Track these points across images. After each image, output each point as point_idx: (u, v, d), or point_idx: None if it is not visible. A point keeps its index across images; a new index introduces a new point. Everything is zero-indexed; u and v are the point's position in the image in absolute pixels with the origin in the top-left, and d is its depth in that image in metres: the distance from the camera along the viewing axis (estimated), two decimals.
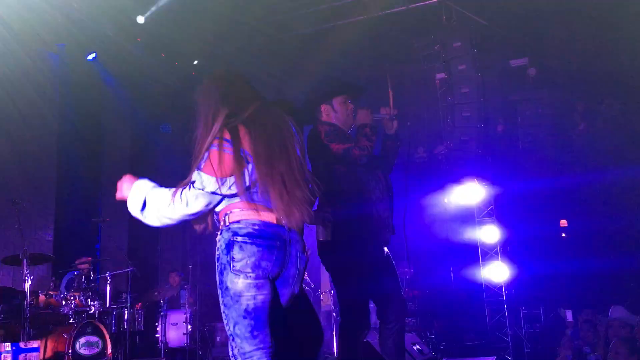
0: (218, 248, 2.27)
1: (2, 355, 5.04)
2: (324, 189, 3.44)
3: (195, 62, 9.21)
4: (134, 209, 2.36)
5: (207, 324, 7.82)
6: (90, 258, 7.09)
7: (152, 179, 2.46)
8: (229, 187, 2.24)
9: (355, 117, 3.56)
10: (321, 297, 8.05)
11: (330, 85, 3.67)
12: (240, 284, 2.17)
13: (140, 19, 8.48)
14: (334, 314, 7.55)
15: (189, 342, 7.29)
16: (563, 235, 9.34)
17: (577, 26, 8.24)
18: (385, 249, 3.54)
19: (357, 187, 3.39)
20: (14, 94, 7.72)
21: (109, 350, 5.94)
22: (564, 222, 9.33)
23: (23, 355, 5.07)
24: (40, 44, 7.79)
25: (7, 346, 5.09)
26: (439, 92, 8.38)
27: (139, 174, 2.49)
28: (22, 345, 5.13)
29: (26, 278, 5.43)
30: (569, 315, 7.68)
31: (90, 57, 8.61)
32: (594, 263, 7.76)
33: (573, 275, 8.04)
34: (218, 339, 7.79)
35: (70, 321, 5.99)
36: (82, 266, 6.76)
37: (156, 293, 7.77)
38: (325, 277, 8.99)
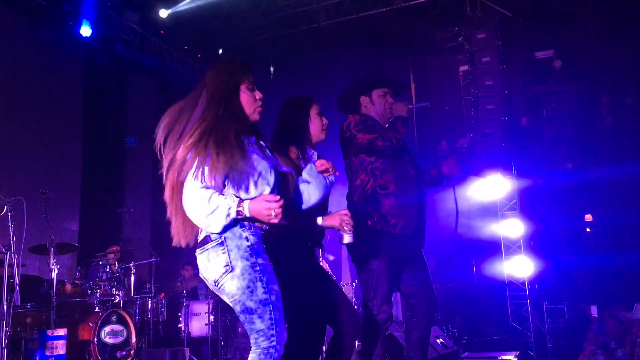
0: None
1: (30, 342, 5.13)
2: (353, 178, 3.46)
3: (220, 50, 9.24)
4: None
5: (228, 315, 7.87)
6: (117, 247, 7.18)
7: None
8: None
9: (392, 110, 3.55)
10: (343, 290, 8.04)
11: (371, 78, 3.65)
12: None
13: (164, 13, 8.55)
14: (355, 307, 7.54)
15: (211, 332, 7.35)
16: (588, 229, 9.22)
17: (604, 17, 8.11)
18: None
19: (384, 178, 3.38)
20: (40, 85, 7.83)
21: (133, 339, 6.01)
22: (589, 217, 9.20)
23: (50, 342, 5.14)
24: (65, 34, 7.87)
25: (35, 333, 5.18)
26: (463, 85, 8.31)
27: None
28: (49, 333, 5.21)
29: (53, 267, 5.51)
30: (593, 310, 7.59)
31: (114, 49, 8.69)
32: (619, 258, 7.66)
33: (598, 270, 7.93)
34: (240, 330, 7.83)
35: (96, 310, 6.06)
36: (111, 255, 6.86)
37: (179, 283, 7.84)
38: (346, 269, 8.98)
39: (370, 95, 3.61)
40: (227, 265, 2.26)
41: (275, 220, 2.25)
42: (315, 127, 3.13)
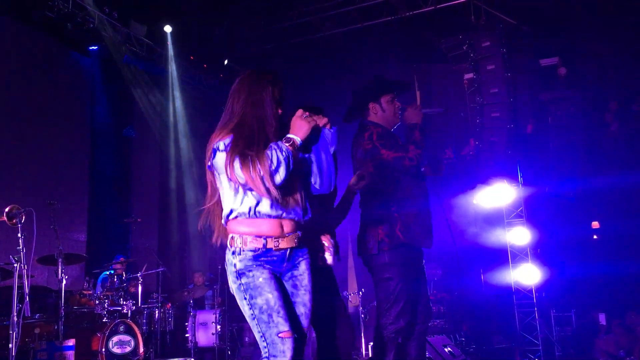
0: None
1: (39, 353, 5.15)
2: (370, 188, 3.45)
3: (226, 61, 9.31)
4: None
5: (235, 324, 7.88)
6: (122, 258, 7.21)
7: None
8: None
9: (402, 115, 3.52)
10: (350, 299, 8.05)
11: (379, 84, 3.61)
12: None
13: (168, 28, 8.63)
14: (362, 315, 7.55)
15: (218, 342, 7.36)
16: (595, 237, 9.19)
17: (608, 24, 8.11)
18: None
19: (402, 192, 3.39)
20: (48, 96, 7.89)
21: (141, 349, 6.02)
22: (595, 224, 9.17)
23: (59, 353, 5.16)
24: (73, 46, 7.94)
25: (43, 344, 5.19)
26: (468, 93, 8.31)
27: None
28: (57, 343, 5.22)
29: (61, 278, 5.53)
30: (602, 318, 7.55)
31: (123, 60, 8.76)
32: (627, 265, 7.63)
33: (605, 277, 7.90)
34: (246, 339, 7.85)
35: (104, 320, 6.09)
36: (117, 266, 6.88)
37: (185, 293, 7.86)
38: (352, 278, 8.98)
39: (379, 101, 3.56)
40: (230, 287, 2.51)
41: (312, 121, 2.41)
42: None
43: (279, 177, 2.31)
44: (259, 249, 2.42)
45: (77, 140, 8.39)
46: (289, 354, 2.30)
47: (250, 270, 2.40)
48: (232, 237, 2.46)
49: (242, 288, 2.40)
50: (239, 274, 2.42)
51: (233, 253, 2.44)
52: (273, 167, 2.29)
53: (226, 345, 7.52)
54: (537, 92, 9.16)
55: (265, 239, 2.42)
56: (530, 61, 8.88)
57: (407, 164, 3.30)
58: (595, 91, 9.00)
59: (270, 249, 2.43)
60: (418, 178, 3.49)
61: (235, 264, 2.43)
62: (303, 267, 2.53)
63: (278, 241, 2.43)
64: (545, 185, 8.38)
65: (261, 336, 2.35)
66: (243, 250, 2.42)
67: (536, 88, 9.12)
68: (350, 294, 8.04)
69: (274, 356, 2.31)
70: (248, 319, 2.41)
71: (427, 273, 3.73)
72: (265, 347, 2.34)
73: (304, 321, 2.47)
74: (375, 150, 3.37)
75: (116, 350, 5.83)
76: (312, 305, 2.50)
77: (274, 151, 2.31)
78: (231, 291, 2.49)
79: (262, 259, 2.43)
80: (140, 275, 6.85)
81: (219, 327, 7.40)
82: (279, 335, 2.31)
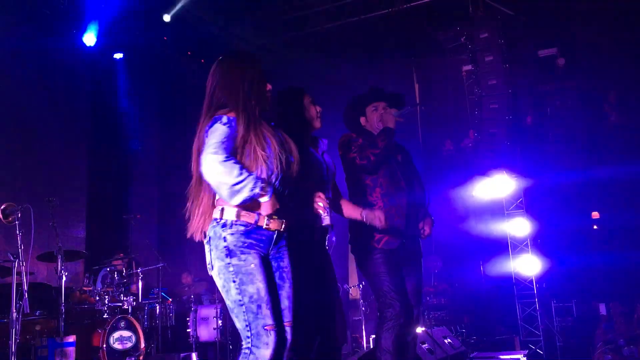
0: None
1: (39, 349, 5.15)
2: (350, 193, 3.53)
3: (220, 58, 9.29)
4: None
5: None
6: (122, 254, 7.21)
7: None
8: None
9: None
10: (350, 292, 8.06)
11: (361, 97, 3.72)
12: None
13: (167, 17, 8.59)
14: (363, 308, 7.56)
15: (219, 336, 7.36)
16: (595, 227, 9.19)
17: (606, 14, 8.10)
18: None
19: (373, 195, 3.47)
20: (46, 93, 7.88)
21: (142, 345, 6.02)
22: (595, 214, 9.17)
23: (59, 349, 5.16)
24: (71, 42, 7.92)
25: (44, 341, 5.20)
26: (466, 84, 8.31)
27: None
28: (58, 340, 5.23)
29: (61, 274, 5.53)
30: (602, 308, 7.56)
31: (118, 56, 8.74)
32: (627, 255, 7.63)
33: (606, 267, 7.91)
34: None
35: (105, 316, 6.09)
36: (117, 262, 6.88)
37: (186, 288, 7.86)
38: (353, 272, 8.99)
39: (364, 113, 3.68)
40: (209, 264, 2.38)
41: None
42: (310, 115, 3.18)
43: (230, 193, 2.25)
44: (250, 224, 2.34)
45: (76, 136, 8.38)
46: (272, 345, 2.28)
47: (242, 253, 2.32)
48: (223, 209, 2.35)
49: (231, 269, 2.31)
50: (230, 252, 2.32)
51: (223, 226, 2.34)
52: (234, 182, 2.23)
53: (228, 340, 7.52)
54: (535, 83, 9.15)
55: (258, 215, 2.35)
56: (529, 52, 8.87)
57: (357, 163, 3.43)
58: (594, 82, 8.99)
59: (261, 227, 2.36)
60: (394, 179, 3.52)
61: (225, 238, 2.33)
62: (287, 259, 2.49)
63: (269, 220, 2.37)
64: (545, 176, 8.38)
65: (246, 325, 2.29)
66: (235, 224, 2.34)
67: (535, 79, 9.11)
68: (350, 287, 8.05)
69: (257, 347, 2.28)
70: (232, 303, 2.32)
71: (428, 265, 3.74)
72: (248, 337, 2.29)
73: (288, 315, 2.41)
74: (343, 156, 3.53)
75: (117, 346, 5.83)
76: (293, 298, 2.46)
77: (250, 181, 2.25)
78: (210, 267, 2.38)
79: (253, 236, 2.36)
80: (140, 271, 6.85)
81: (220, 322, 7.39)
82: (265, 327, 2.29)
